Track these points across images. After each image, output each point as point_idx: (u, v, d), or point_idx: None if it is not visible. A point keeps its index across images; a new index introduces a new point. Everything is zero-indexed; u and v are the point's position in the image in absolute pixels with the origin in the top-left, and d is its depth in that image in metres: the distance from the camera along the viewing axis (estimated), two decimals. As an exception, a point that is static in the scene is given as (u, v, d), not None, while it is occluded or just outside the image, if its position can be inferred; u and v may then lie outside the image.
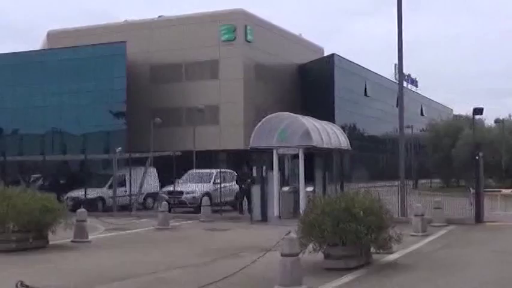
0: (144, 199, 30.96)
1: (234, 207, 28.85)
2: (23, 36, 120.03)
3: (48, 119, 52.07)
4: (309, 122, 23.71)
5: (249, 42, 54.17)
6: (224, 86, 53.56)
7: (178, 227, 22.82)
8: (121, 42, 51.02)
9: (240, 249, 15.84)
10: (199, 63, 54.50)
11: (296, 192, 23.46)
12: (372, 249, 12.97)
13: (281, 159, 24.42)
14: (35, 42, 61.67)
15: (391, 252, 13.75)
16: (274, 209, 23.35)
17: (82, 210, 18.15)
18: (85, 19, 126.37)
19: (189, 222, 24.72)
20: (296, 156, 23.68)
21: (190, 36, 53.90)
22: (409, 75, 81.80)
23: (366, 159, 64.35)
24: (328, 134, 24.21)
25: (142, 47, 54.25)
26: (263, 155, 24.44)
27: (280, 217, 23.09)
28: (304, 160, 23.24)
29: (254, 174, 24.49)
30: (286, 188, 24.02)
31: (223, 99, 53.44)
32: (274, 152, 23.59)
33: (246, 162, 27.65)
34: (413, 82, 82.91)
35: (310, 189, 23.18)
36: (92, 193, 29.50)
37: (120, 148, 38.76)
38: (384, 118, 71.97)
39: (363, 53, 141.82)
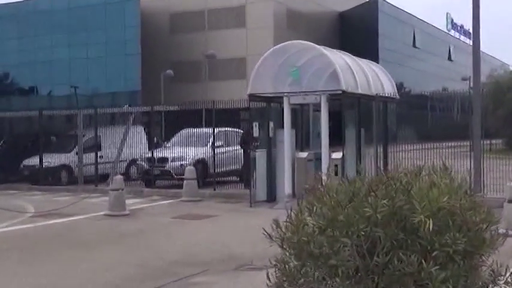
0: (128, 167, 23.33)
1: (241, 178, 21.32)
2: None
3: (55, 74, 47.93)
4: (338, 57, 16.05)
5: (281, -16, 49.15)
6: (252, 35, 48.93)
7: (139, 211, 15.41)
8: (134, -15, 46.31)
9: (205, 264, 8.99)
10: (223, 9, 49.89)
11: (318, 159, 16.03)
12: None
13: (297, 111, 17.04)
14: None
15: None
16: (285, 185, 15.87)
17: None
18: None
19: (165, 202, 17.49)
20: (319, 107, 16.22)
21: (213, -22, 48.99)
22: (462, 26, 75.57)
23: (414, 117, 58.02)
24: (366, 75, 16.49)
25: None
26: (269, 105, 17.11)
27: (294, 196, 15.71)
28: (331, 113, 15.80)
29: (255, 134, 16.97)
30: (303, 154, 16.49)
31: (250, 51, 47.95)
32: (286, 100, 16.09)
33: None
34: (467, 34, 75.80)
35: (338, 155, 15.61)
36: (54, 160, 22.43)
37: (127, 105, 33.85)
38: (435, 72, 66.00)
39: (409, 2, 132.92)
